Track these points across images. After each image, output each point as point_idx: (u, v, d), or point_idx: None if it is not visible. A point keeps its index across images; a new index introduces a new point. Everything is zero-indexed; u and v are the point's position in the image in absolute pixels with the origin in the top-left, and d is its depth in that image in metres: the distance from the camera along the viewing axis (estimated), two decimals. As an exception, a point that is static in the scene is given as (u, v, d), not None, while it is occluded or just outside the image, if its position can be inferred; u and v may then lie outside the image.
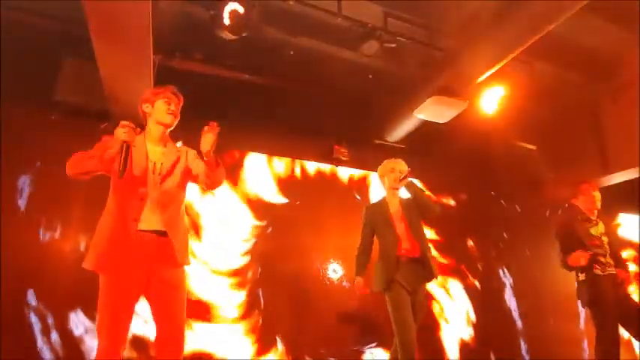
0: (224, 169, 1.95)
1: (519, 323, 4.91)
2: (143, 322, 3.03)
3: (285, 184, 4.27)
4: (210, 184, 1.94)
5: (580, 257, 2.80)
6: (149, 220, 1.81)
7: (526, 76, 3.94)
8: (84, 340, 3.17)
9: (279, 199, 4.20)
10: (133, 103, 3.19)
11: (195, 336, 3.48)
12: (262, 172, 4.22)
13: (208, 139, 1.81)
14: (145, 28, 2.51)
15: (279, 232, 4.07)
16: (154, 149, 1.93)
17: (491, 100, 3.88)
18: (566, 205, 3.20)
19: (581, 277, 2.92)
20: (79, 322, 3.17)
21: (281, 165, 4.33)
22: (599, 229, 2.98)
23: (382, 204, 2.89)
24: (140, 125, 1.93)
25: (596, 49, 4.17)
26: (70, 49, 3.41)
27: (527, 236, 5.22)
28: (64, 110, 3.47)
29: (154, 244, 1.79)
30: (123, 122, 1.75)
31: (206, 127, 1.84)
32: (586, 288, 2.90)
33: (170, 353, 1.78)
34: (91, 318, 3.15)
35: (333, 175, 4.54)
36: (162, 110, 1.93)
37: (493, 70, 3.49)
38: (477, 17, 3.55)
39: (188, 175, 1.99)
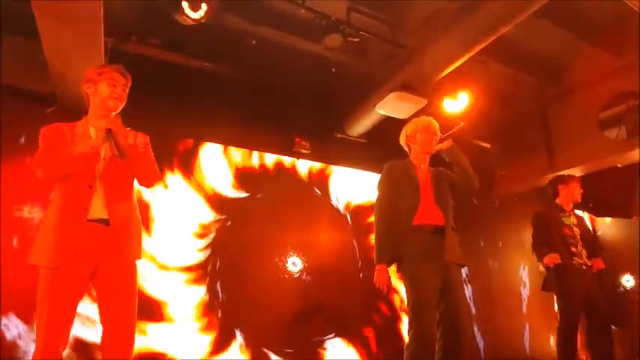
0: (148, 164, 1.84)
1: (473, 309, 5.07)
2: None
3: (243, 176, 4.18)
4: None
5: (554, 258, 2.94)
6: (97, 209, 1.70)
7: (481, 77, 4.08)
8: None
9: (237, 191, 4.11)
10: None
11: (148, 336, 3.36)
12: (219, 163, 4.11)
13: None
14: (95, 6, 2.36)
15: (237, 225, 3.99)
16: (99, 134, 1.77)
17: (450, 98, 4.01)
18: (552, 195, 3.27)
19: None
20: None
21: (240, 156, 4.23)
22: (571, 219, 3.12)
23: (408, 164, 2.34)
24: (84, 108, 1.80)
25: (547, 53, 4.40)
26: (11, 25, 3.15)
27: (481, 227, 5.43)
28: (3, 92, 3.21)
29: (101, 235, 1.69)
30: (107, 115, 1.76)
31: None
32: (554, 275, 2.99)
33: (118, 353, 1.65)
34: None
35: (293, 168, 4.50)
36: (105, 93, 1.78)
37: (451, 69, 3.59)
38: (437, 16, 3.63)
39: None
